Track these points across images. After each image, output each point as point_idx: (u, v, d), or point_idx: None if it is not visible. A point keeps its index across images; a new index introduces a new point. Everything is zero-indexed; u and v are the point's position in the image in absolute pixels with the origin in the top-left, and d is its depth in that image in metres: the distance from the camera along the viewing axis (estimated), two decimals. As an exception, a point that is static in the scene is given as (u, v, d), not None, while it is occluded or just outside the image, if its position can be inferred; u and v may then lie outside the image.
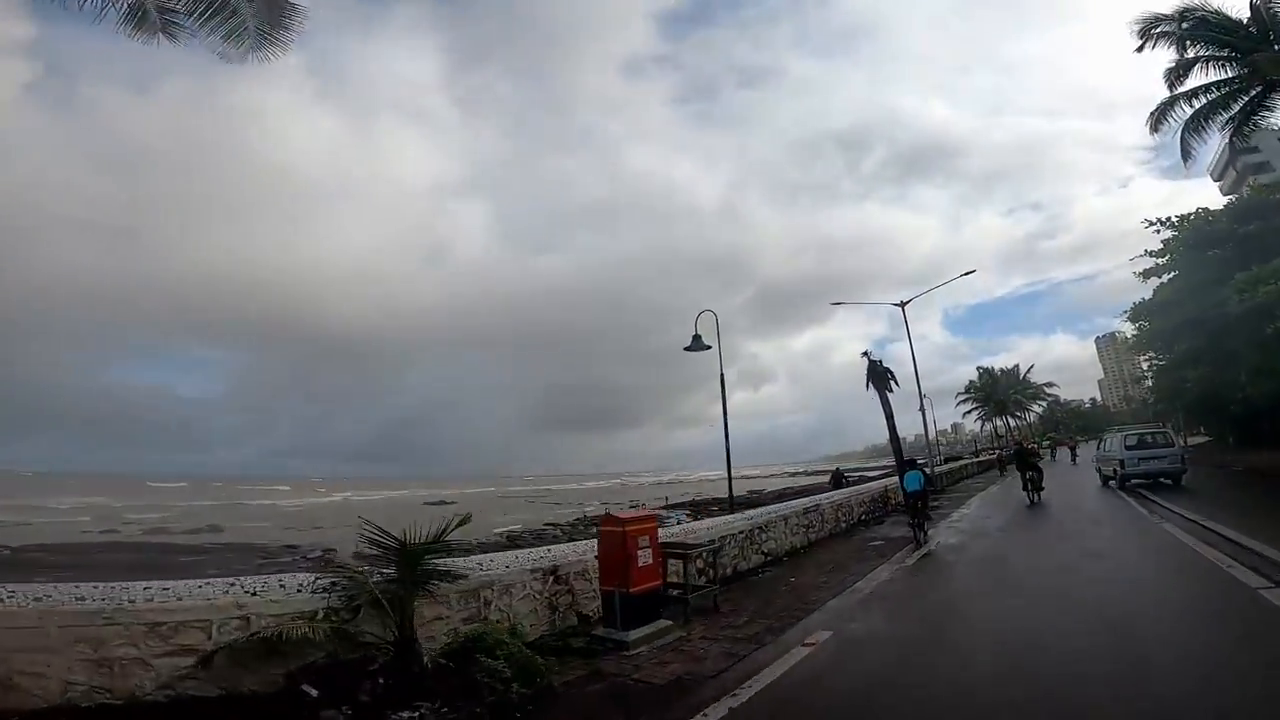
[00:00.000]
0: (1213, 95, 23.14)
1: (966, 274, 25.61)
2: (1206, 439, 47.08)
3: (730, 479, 13.65)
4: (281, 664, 4.74)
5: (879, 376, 18.62)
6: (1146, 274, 30.74)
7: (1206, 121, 23.50)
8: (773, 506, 12.15)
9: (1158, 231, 29.40)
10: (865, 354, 18.85)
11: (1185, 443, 47.23)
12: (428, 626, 5.50)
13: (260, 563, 21.63)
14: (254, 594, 4.91)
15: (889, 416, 18.56)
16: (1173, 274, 29.04)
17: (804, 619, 6.99)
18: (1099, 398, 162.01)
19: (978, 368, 65.88)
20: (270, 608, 4.85)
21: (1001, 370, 62.06)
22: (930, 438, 24.59)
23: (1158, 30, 19.67)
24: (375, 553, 5.41)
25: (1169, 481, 18.49)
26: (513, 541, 24.15)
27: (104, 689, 4.31)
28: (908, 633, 6.36)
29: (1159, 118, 24.03)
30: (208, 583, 5.03)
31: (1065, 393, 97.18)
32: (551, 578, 6.96)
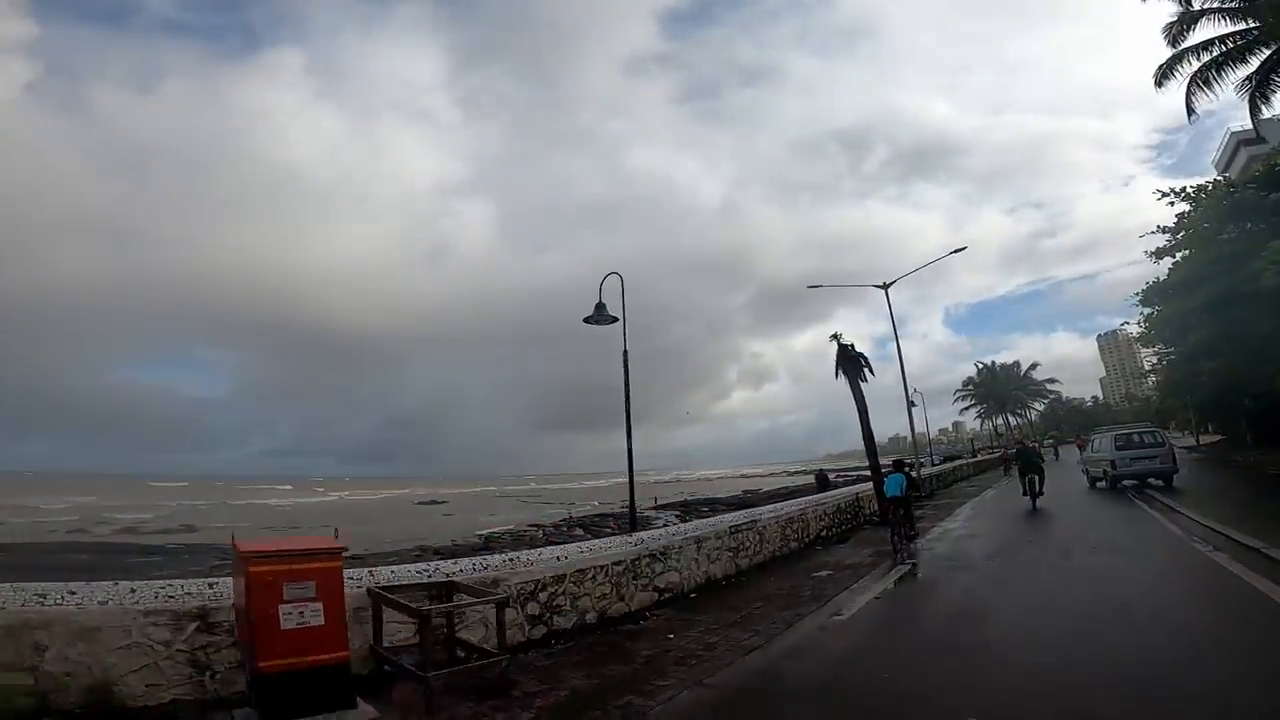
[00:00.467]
0: (1228, 46, 19.86)
1: (957, 251, 22.44)
2: (1219, 437, 43.27)
3: (632, 485, 10.45)
4: None
5: (850, 362, 15.40)
6: (1158, 253, 27.03)
7: (1219, 73, 20.13)
8: (689, 526, 8.96)
9: (1171, 204, 25.75)
10: (834, 337, 15.65)
11: (1197, 441, 43.55)
12: None
13: (217, 564, 19.86)
14: None
15: (862, 411, 15.34)
16: (1189, 250, 25.29)
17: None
18: (1101, 396, 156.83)
19: (976, 363, 62.19)
20: None
21: (1000, 366, 58.11)
22: (916, 434, 21.33)
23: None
24: None
25: (1160, 482, 16.95)
26: (489, 544, 22.83)
27: None
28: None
29: (1165, 72, 20.69)
30: None
31: (1067, 391, 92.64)
32: (195, 624, 4.16)
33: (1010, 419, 58.74)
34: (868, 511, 15.05)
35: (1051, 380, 62.82)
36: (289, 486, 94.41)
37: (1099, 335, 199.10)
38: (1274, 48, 19.40)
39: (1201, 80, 19.61)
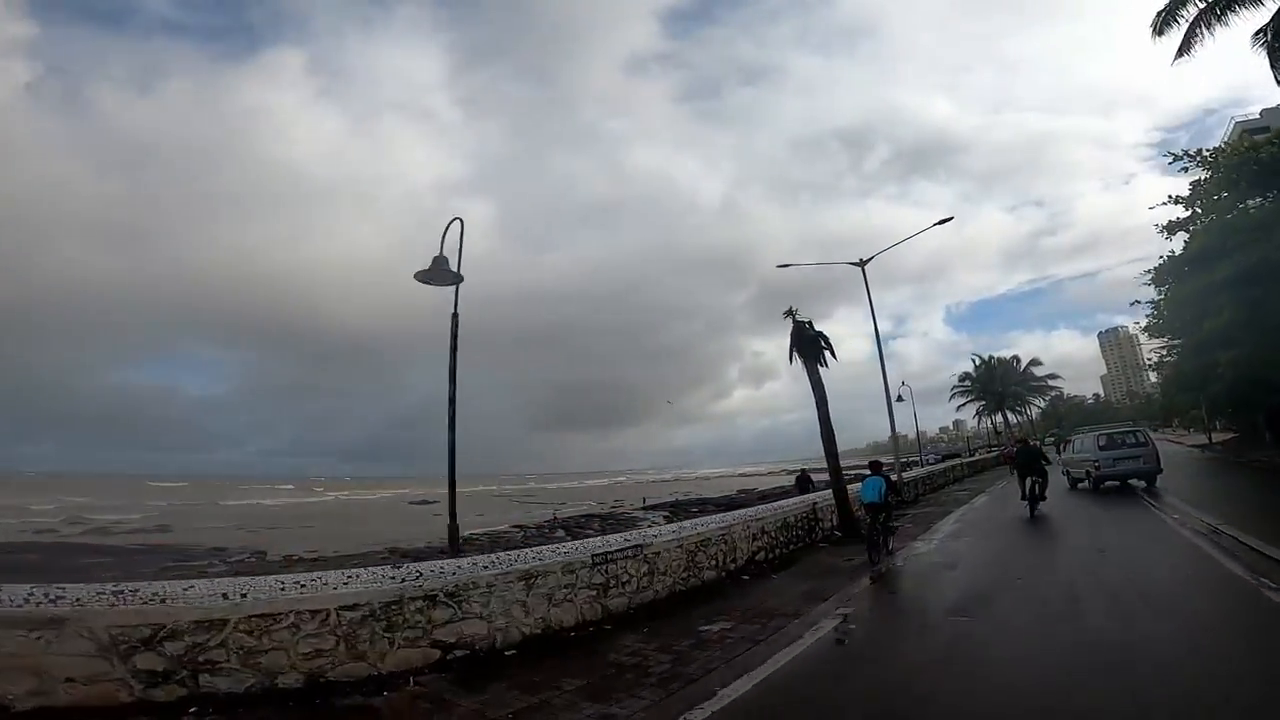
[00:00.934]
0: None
1: (942, 222, 19.29)
2: (1231, 435, 39.62)
3: (453, 494, 7.51)
4: None
5: (808, 343, 12.37)
6: (1170, 227, 23.53)
7: (1225, 11, 16.78)
8: (489, 562, 5.93)
9: (1185, 170, 22.10)
10: (789, 313, 12.62)
11: (1210, 439, 39.90)
12: None
13: (168, 565, 18.91)
14: None
15: (820, 400, 12.30)
16: (1211, 217, 21.65)
17: None
18: (1102, 393, 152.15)
19: (972, 355, 58.53)
20: None
21: (998, 360, 54.25)
22: (897, 433, 18.16)
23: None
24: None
25: (1143, 483, 15.72)
26: (468, 543, 21.12)
27: None
28: None
29: (1167, 18, 17.35)
30: None
31: (1068, 388, 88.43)
32: None
33: (1010, 416, 54.99)
34: (827, 526, 11.99)
35: (1053, 376, 58.89)
36: (291, 486, 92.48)
37: (1100, 332, 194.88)
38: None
39: (1208, 19, 16.29)
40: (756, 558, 9.59)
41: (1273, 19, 16.46)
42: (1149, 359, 44.12)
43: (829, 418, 12.13)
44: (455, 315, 7.67)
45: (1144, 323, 32.82)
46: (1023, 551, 9.44)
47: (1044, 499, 13.75)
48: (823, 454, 12.57)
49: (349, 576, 4.87)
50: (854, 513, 11.83)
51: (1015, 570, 7.96)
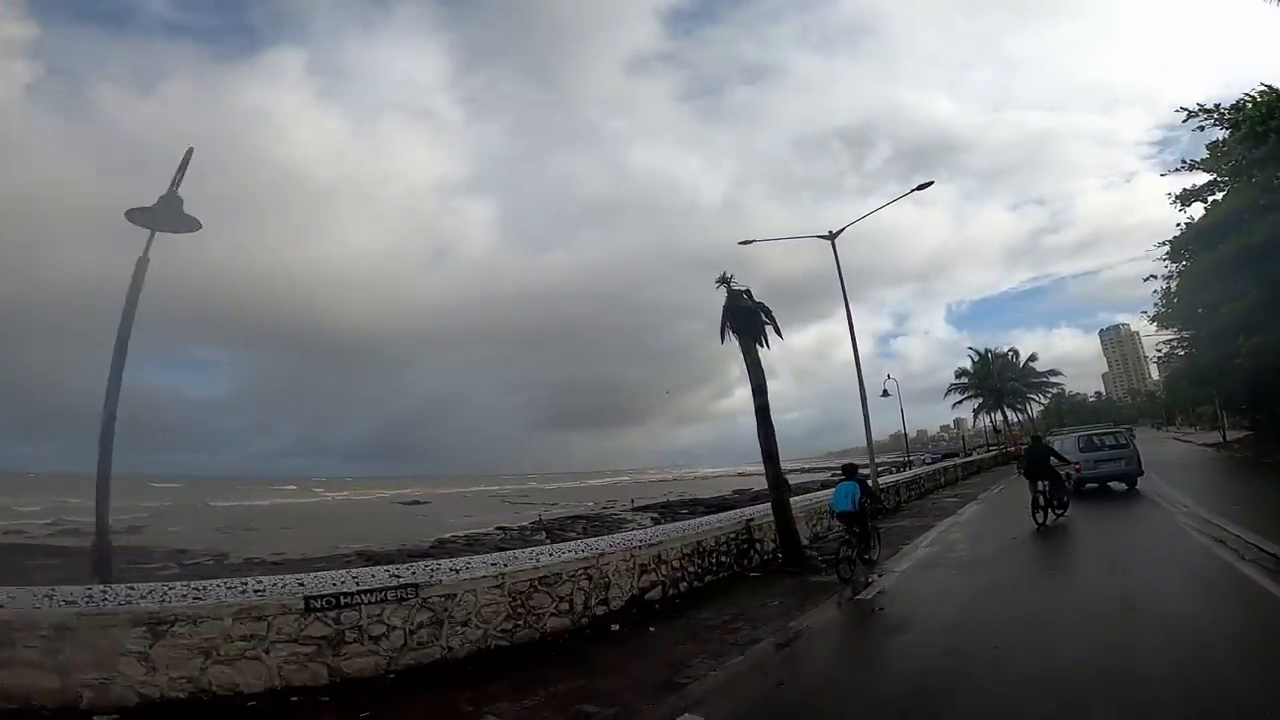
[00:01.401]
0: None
1: (922, 187, 16.50)
2: (1245, 433, 36.18)
3: (104, 492, 5.01)
4: None
5: (745, 316, 9.58)
6: (1185, 198, 20.34)
7: None
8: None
9: (1200, 128, 18.53)
10: (723, 279, 9.83)
11: (1224, 438, 36.52)
12: None
13: (123, 568, 17.52)
14: None
15: (758, 385, 9.50)
16: (1234, 181, 18.37)
17: None
18: (1104, 391, 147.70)
19: (969, 349, 55.09)
20: None
21: (995, 355, 50.75)
22: (869, 429, 15.27)
23: None
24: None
25: (1124, 485, 14.80)
26: (440, 546, 20.92)
27: None
28: None
29: None
30: None
31: (1069, 386, 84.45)
32: None
33: (1009, 414, 51.58)
34: (768, 549, 9.14)
35: (1053, 372, 55.29)
36: (293, 487, 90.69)
37: (1101, 330, 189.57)
38: None
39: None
40: (647, 596, 6.78)
41: None
42: (1157, 350, 40.64)
43: (768, 408, 9.28)
44: (145, 259, 4.98)
45: (1151, 312, 29.61)
46: (1010, 595, 6.52)
47: (1065, 508, 11.25)
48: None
49: None
50: (799, 538, 9.08)
51: (996, 625, 5.09)
